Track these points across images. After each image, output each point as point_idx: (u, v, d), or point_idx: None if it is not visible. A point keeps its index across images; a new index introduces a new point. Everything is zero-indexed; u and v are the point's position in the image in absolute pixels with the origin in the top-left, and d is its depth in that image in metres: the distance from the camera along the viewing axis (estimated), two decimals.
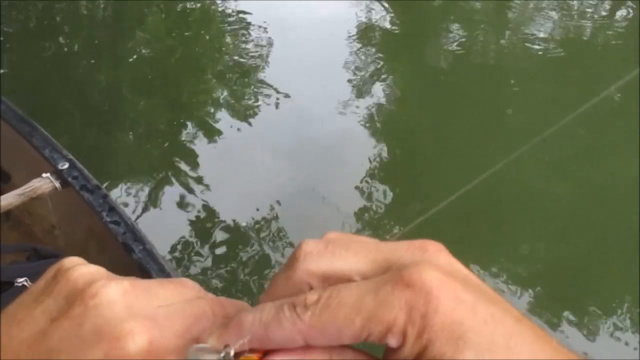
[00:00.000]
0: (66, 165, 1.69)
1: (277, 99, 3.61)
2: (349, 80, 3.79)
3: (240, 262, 2.63)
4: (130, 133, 3.44)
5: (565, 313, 2.46)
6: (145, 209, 2.89)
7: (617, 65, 3.91)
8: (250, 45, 4.15)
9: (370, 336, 0.26)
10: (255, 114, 3.53)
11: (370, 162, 3.15)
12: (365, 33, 4.32)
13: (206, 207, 2.86)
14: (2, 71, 3.74)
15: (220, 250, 2.68)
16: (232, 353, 0.28)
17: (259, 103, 3.61)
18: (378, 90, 3.71)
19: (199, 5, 4.63)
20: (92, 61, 3.96)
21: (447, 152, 3.21)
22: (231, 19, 4.45)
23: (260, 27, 4.31)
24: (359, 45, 4.17)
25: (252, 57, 4.04)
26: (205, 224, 2.79)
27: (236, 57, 4.06)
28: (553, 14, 4.45)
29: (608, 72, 3.83)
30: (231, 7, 4.60)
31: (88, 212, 1.62)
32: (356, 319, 0.26)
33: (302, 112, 3.49)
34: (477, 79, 3.85)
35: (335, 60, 3.96)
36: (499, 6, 4.73)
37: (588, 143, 3.24)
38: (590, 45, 4.26)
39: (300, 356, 0.27)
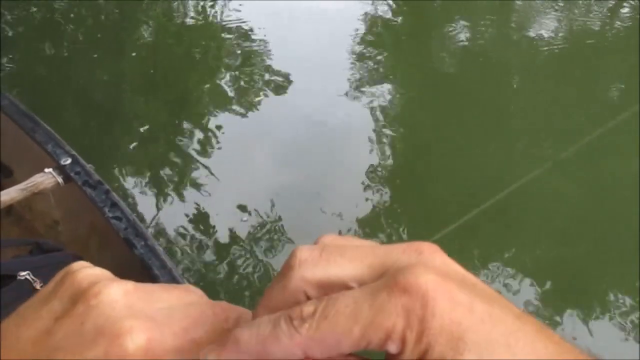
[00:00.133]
0: (69, 161, 1.69)
1: (278, 97, 3.61)
2: (349, 80, 3.78)
3: (240, 262, 2.64)
4: (131, 130, 3.44)
5: (565, 313, 2.46)
6: (145, 206, 2.90)
7: (617, 65, 3.91)
8: (250, 45, 4.14)
9: (370, 344, 0.26)
10: (258, 110, 3.53)
11: (370, 162, 3.14)
12: (369, 31, 4.31)
13: (207, 205, 2.87)
14: (3, 68, 3.74)
15: (220, 249, 2.68)
16: None
17: (260, 96, 3.61)
18: (379, 90, 3.70)
19: (200, 2, 4.62)
20: (95, 55, 3.96)
21: (450, 152, 3.20)
22: (232, 17, 4.44)
23: (260, 25, 4.29)
24: (363, 44, 4.15)
25: (253, 56, 4.03)
26: (205, 222, 2.80)
27: (236, 56, 4.05)
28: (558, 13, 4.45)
29: (608, 71, 3.83)
30: (232, 5, 4.59)
31: (90, 208, 1.62)
32: (354, 328, 0.26)
33: (303, 111, 3.49)
34: (481, 77, 3.84)
35: (337, 59, 3.94)
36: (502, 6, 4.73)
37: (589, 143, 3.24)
38: (593, 44, 4.25)
39: None
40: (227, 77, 3.85)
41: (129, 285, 0.31)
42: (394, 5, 4.63)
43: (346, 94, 3.64)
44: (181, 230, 2.74)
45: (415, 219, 2.89)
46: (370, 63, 3.96)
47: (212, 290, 2.45)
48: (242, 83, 3.79)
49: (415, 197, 3.03)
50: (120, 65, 3.95)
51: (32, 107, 1.95)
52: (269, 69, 3.89)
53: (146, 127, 3.46)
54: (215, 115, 3.50)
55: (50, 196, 1.79)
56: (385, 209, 2.90)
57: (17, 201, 1.66)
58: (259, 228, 2.76)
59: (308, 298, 0.29)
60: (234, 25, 4.33)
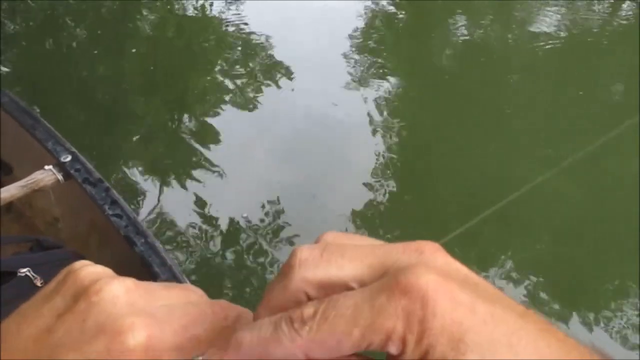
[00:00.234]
0: (69, 158, 1.69)
1: (279, 95, 3.61)
2: (349, 79, 3.78)
3: (239, 260, 2.64)
4: (132, 127, 3.44)
5: (565, 313, 2.46)
6: (145, 204, 2.90)
7: (618, 64, 3.91)
8: (250, 44, 4.14)
9: (371, 345, 0.26)
10: (258, 109, 3.53)
11: (370, 161, 3.14)
12: (369, 31, 4.31)
13: (207, 202, 2.87)
14: (3, 65, 3.74)
15: (220, 246, 2.68)
16: None
17: (260, 96, 3.61)
18: (379, 89, 3.70)
19: (200, 1, 4.63)
20: (95, 52, 3.96)
21: (451, 152, 3.20)
22: (232, 16, 4.44)
23: (261, 25, 4.29)
24: (363, 44, 4.15)
25: (253, 56, 4.03)
26: (205, 219, 2.80)
27: (237, 55, 4.05)
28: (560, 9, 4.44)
29: (609, 71, 3.83)
30: (233, 4, 4.58)
31: (90, 205, 1.62)
32: (354, 330, 0.26)
33: (303, 110, 3.49)
34: (482, 77, 3.84)
35: (336, 59, 3.94)
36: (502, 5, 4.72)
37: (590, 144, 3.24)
38: (592, 42, 4.25)
39: None
40: (227, 76, 3.85)
41: (130, 282, 0.31)
42: (394, 5, 4.63)
43: (346, 93, 3.64)
44: (181, 227, 2.74)
45: (416, 219, 2.89)
46: (370, 63, 3.96)
47: (211, 288, 2.46)
48: (242, 82, 3.79)
49: (416, 196, 3.03)
50: (121, 61, 3.95)
51: (32, 104, 1.94)
52: (269, 68, 3.89)
53: (146, 124, 3.46)
54: (216, 114, 3.50)
55: (51, 193, 1.79)
56: (385, 208, 2.90)
57: (17, 198, 1.66)
58: (258, 226, 2.76)
59: (309, 298, 0.29)
60: (235, 24, 4.33)
